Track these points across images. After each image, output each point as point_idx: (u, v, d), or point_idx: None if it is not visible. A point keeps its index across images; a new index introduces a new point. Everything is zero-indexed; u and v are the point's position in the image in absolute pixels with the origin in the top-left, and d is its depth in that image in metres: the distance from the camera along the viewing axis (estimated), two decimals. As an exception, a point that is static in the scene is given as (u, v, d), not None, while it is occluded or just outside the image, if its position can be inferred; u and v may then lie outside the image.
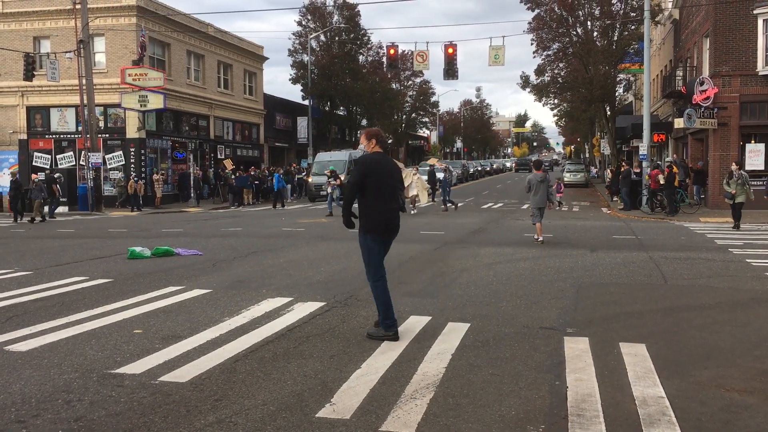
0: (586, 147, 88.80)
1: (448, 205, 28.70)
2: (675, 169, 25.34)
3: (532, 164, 19.04)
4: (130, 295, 9.76)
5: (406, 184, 25.50)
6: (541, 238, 16.53)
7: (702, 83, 26.89)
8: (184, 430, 4.78)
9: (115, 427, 4.84)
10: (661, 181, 25.27)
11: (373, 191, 7.11)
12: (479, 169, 74.12)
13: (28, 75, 30.87)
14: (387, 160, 7.48)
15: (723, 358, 6.50)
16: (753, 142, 26.75)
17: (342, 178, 27.81)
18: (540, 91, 48.71)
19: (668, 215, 24.17)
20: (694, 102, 26.90)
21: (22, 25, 36.09)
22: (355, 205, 7.23)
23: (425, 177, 29.93)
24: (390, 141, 74.45)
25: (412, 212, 26.03)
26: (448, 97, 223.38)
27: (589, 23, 42.87)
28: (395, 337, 7.18)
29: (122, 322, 8.05)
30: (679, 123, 28.88)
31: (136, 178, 32.98)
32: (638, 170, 28.52)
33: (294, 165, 47.52)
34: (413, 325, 7.83)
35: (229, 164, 37.67)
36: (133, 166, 34.66)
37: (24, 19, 36.01)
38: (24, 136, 36.33)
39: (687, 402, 5.30)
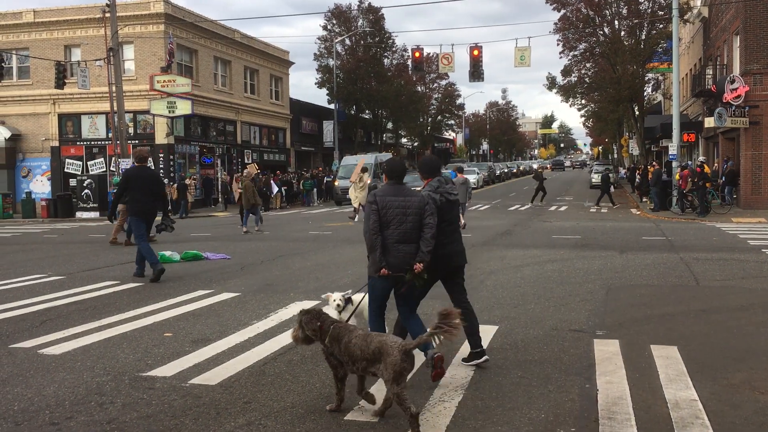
0: (614, 148, 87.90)
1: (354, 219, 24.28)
2: (707, 169, 24.97)
3: (455, 169, 23.39)
4: (161, 298, 9.88)
5: (356, 190, 24.17)
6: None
7: (732, 81, 26.47)
8: (215, 432, 4.83)
9: (147, 429, 4.90)
10: (689, 184, 24.88)
11: (135, 192, 11.47)
12: (505, 171, 73.76)
13: (60, 83, 31.38)
14: (144, 170, 11.76)
15: (756, 361, 6.39)
16: (786, 140, 26.25)
17: (367, 179, 25.79)
18: (567, 92, 48.33)
19: (699, 216, 23.81)
20: (724, 101, 26.48)
21: (53, 34, 36.76)
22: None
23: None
24: (416, 144, 74.44)
25: (352, 221, 23.92)
26: (474, 99, 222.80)
27: (616, 22, 42.41)
28: (162, 271, 11.39)
29: (153, 326, 8.16)
30: (709, 122, 28.45)
31: (172, 183, 33.26)
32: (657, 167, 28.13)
33: (320, 168, 47.72)
34: (441, 327, 7.81)
35: (253, 169, 37.91)
36: (162, 171, 35.05)
37: (55, 28, 36.67)
38: (56, 143, 36.97)
39: (720, 405, 5.22)
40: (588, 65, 46.15)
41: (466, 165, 61.51)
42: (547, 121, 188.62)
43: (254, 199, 20.78)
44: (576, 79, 46.89)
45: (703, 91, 31.80)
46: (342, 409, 5.18)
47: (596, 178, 50.53)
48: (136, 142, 35.41)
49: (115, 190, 30.08)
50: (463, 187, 20.34)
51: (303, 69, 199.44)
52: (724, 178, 28.69)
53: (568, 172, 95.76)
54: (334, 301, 6.87)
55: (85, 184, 32.49)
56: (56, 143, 36.98)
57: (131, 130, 35.03)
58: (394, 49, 58.86)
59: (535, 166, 47.12)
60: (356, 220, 24.25)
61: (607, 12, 42.03)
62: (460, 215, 20.33)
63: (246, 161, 42.10)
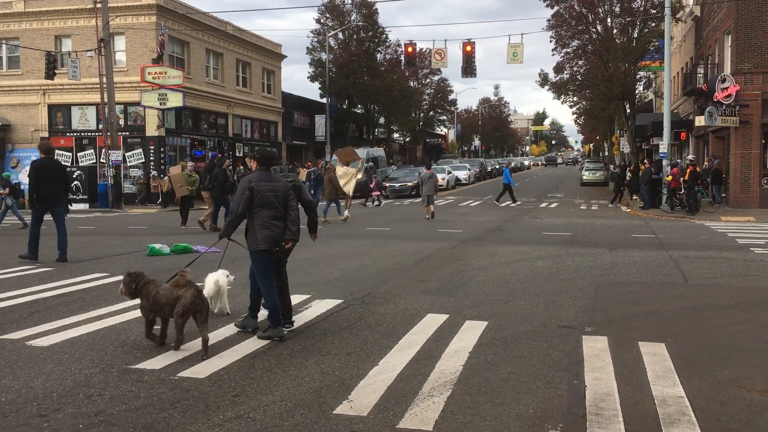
0: (606, 145, 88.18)
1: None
2: (698, 168, 25.07)
3: (425, 164, 25.34)
4: (150, 291, 9.82)
5: (343, 183, 23.13)
6: (428, 216, 21.99)
7: (723, 80, 26.58)
8: (203, 425, 4.82)
9: (135, 421, 4.89)
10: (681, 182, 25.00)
11: (40, 182, 12.62)
12: (497, 167, 73.88)
13: (50, 74, 31.16)
14: (51, 162, 13.00)
15: (744, 358, 6.44)
16: (775, 140, 26.39)
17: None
18: (559, 89, 48.36)
19: (689, 214, 23.93)
20: (715, 99, 26.60)
21: (44, 24, 36.48)
22: None
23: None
24: (408, 139, 74.44)
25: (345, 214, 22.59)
26: (467, 95, 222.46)
27: (609, 20, 42.44)
28: (64, 258, 12.89)
29: (141, 318, 8.10)
30: (700, 121, 28.56)
31: (162, 175, 33.07)
32: (647, 166, 28.26)
33: (309, 163, 47.62)
34: (431, 322, 7.83)
35: (250, 162, 37.81)
36: (152, 163, 34.92)
37: (45, 18, 36.38)
38: (45, 134, 36.67)
39: (707, 402, 5.26)
40: (580, 62, 46.20)
41: (458, 161, 61.70)
42: (539, 118, 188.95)
43: (339, 189, 22.21)
44: (568, 76, 46.92)
45: (695, 90, 31.93)
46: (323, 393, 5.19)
47: (587, 176, 51.59)
48: (127, 133, 35.27)
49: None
50: (431, 181, 22.32)
51: (295, 62, 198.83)
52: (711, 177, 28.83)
53: (560, 169, 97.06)
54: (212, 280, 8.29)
55: (74, 176, 32.27)
56: (46, 134, 36.67)
57: (122, 122, 34.84)
58: (387, 43, 58.85)
59: (617, 161, 47.11)
60: (346, 214, 22.85)
61: (600, 10, 42.04)
62: (430, 205, 22.25)
63: (237, 155, 42.00)
